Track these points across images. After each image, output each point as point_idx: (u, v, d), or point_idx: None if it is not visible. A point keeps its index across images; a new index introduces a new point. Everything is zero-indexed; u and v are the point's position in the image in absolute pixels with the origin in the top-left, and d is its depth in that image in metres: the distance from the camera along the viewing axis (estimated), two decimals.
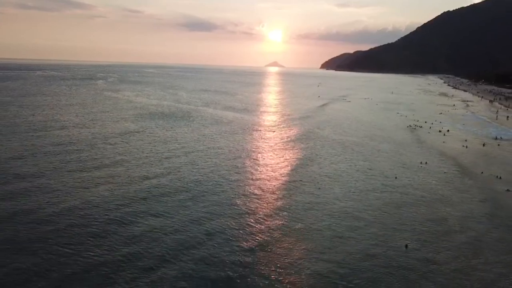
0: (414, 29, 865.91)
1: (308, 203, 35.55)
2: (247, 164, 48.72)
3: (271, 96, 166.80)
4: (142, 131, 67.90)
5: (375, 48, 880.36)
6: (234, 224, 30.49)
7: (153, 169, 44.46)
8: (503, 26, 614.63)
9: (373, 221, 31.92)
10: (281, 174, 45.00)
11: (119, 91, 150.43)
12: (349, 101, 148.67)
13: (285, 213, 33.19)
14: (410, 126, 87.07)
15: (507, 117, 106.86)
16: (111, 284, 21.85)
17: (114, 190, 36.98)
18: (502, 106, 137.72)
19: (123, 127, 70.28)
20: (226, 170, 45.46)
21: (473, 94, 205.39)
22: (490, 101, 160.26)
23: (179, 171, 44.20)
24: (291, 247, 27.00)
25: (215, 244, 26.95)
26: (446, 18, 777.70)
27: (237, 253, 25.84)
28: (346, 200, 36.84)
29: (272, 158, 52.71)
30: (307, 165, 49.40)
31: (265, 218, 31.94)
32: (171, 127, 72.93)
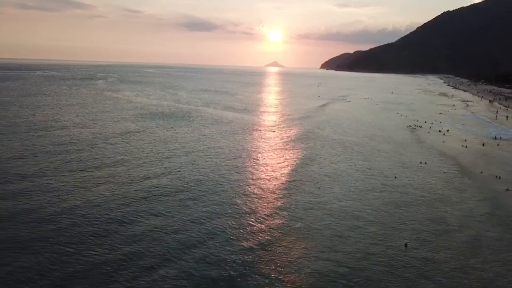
0: (414, 29, 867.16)
1: (308, 203, 35.70)
2: (247, 164, 48.87)
3: (271, 96, 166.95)
4: (143, 131, 68.05)
5: (375, 48, 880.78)
6: (234, 223, 30.65)
7: (154, 169, 44.62)
8: (503, 26, 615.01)
9: (372, 221, 32.07)
10: (281, 174, 45.15)
11: (119, 91, 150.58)
12: (349, 101, 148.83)
13: (285, 212, 33.35)
14: (410, 126, 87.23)
15: (507, 117, 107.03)
16: (112, 282, 22.00)
17: (115, 189, 37.14)
18: (502, 106, 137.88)
19: (124, 127, 70.43)
20: (227, 170, 45.61)
21: (473, 94, 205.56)
22: (490, 101, 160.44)
23: (179, 171, 44.36)
24: (291, 246, 27.15)
25: (216, 243, 27.11)
26: (446, 18, 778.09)
27: (238, 252, 25.99)
28: (345, 200, 37.00)
29: (272, 158, 52.87)
30: (307, 164, 49.55)
31: (265, 217, 32.09)
32: (171, 127, 73.09)
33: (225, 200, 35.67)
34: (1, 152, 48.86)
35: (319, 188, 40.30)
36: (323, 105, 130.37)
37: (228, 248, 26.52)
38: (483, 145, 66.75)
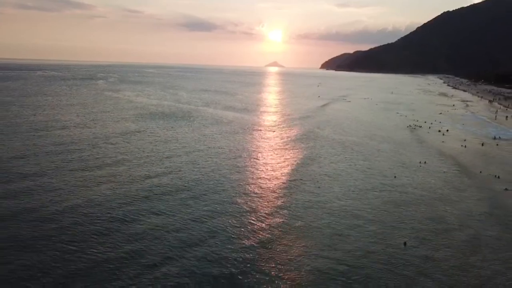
0: (414, 29, 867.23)
1: (308, 202, 35.94)
2: (247, 164, 49.10)
3: (271, 96, 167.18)
4: (143, 130, 68.28)
5: (375, 48, 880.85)
6: (235, 222, 30.89)
7: (155, 168, 44.85)
8: (503, 26, 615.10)
9: (372, 220, 32.30)
10: (281, 173, 45.38)
11: (120, 91, 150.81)
12: (349, 101, 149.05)
13: (285, 211, 33.59)
14: (409, 126, 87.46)
15: (506, 117, 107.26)
16: (115, 280, 22.23)
17: (116, 188, 37.37)
18: (501, 106, 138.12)
19: (124, 127, 70.66)
20: (227, 169, 45.84)
21: (473, 94, 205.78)
22: (490, 101, 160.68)
23: (180, 170, 44.59)
24: (291, 244, 27.39)
25: (217, 242, 27.35)
26: (446, 18, 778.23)
27: (239, 250, 26.23)
28: (345, 199, 37.23)
29: (273, 158, 53.10)
30: (307, 164, 49.78)
31: (265, 216, 32.32)
32: (172, 127, 73.32)
33: (225, 199, 35.91)
34: (3, 152, 49.10)
35: (319, 187, 40.54)
36: (323, 105, 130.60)
37: (229, 246, 26.76)
38: (482, 145, 66.99)
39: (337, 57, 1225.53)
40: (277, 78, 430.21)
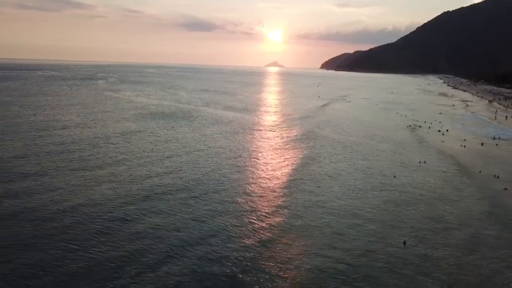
0: (414, 29, 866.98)
1: (308, 201, 36.08)
2: (247, 163, 49.25)
3: (271, 96, 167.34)
4: (143, 130, 68.42)
5: (375, 48, 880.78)
6: (236, 221, 31.03)
7: (155, 168, 44.98)
8: (503, 26, 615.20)
9: (371, 219, 32.45)
10: (281, 173, 45.53)
11: (120, 91, 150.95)
12: (349, 101, 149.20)
13: (285, 210, 33.74)
14: (409, 126, 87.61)
15: (506, 117, 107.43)
16: (116, 279, 22.37)
17: (117, 188, 37.51)
18: (501, 106, 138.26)
19: (125, 127, 70.80)
20: (227, 169, 45.98)
21: (473, 94, 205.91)
22: (489, 101, 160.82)
23: (180, 170, 44.73)
24: (291, 243, 27.54)
25: (217, 241, 27.49)
26: (446, 18, 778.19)
27: (239, 249, 26.37)
28: (345, 198, 37.37)
29: (273, 157, 53.24)
30: (307, 164, 49.93)
31: (266, 215, 32.47)
32: (172, 127, 73.46)
33: (226, 199, 36.05)
34: (4, 152, 49.24)
35: (319, 186, 40.68)
36: (323, 105, 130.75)
37: (229, 245, 26.90)
38: (482, 144, 67.14)
39: (337, 57, 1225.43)
40: (277, 78, 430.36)
